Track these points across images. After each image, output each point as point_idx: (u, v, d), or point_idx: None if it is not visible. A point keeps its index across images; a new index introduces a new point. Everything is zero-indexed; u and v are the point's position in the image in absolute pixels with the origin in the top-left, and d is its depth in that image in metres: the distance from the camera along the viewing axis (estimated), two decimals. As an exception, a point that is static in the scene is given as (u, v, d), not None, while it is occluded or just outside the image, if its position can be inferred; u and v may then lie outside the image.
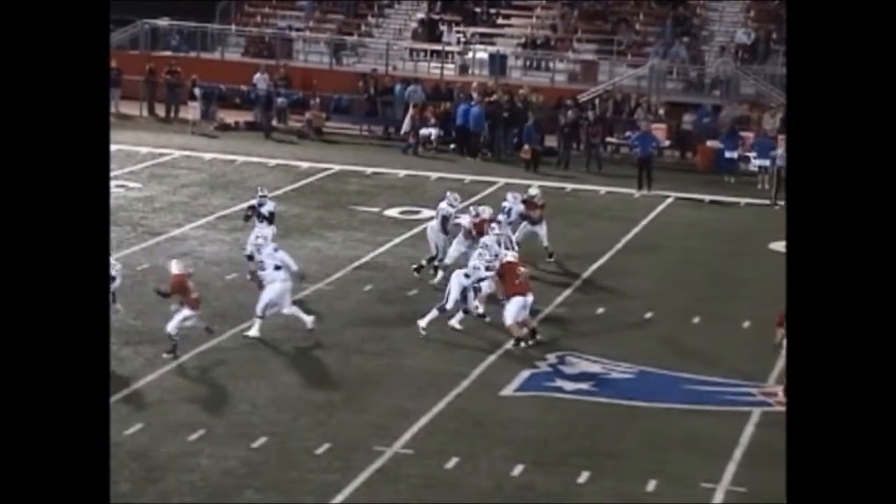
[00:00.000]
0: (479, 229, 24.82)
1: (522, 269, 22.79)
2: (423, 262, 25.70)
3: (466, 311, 22.58)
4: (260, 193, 25.95)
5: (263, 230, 24.89)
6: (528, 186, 28.60)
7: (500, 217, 26.31)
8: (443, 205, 26.06)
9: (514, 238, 25.67)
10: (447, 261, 25.22)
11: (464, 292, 22.46)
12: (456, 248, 25.21)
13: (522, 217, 26.90)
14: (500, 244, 23.66)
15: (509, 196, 27.35)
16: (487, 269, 22.61)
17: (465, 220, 25.43)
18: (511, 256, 23.03)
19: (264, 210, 25.49)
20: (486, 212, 25.52)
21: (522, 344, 21.94)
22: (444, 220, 25.81)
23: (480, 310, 22.81)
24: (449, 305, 22.37)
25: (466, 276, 22.52)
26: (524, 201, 27.10)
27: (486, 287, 22.91)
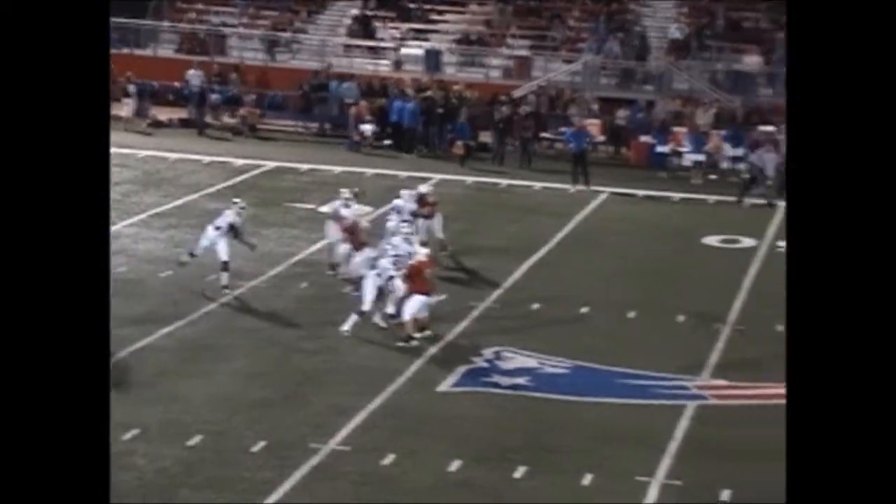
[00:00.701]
0: (351, 232, 24.71)
1: (429, 270, 22.61)
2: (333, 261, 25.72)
3: (390, 310, 22.57)
4: (240, 205, 25.15)
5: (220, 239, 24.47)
6: (463, 182, 28.62)
7: (392, 216, 26.22)
8: (337, 203, 26.02)
9: (407, 230, 25.35)
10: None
11: (380, 291, 22.42)
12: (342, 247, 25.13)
13: (415, 215, 26.51)
14: (410, 243, 23.47)
15: (404, 194, 27.17)
16: (396, 265, 22.49)
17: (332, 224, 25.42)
18: (422, 255, 22.83)
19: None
20: (349, 216, 25.28)
21: (413, 342, 21.80)
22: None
23: (391, 310, 22.62)
24: (366, 307, 22.34)
25: (378, 275, 22.49)
26: (420, 199, 27.00)
27: (400, 290, 22.65)
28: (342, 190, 26.60)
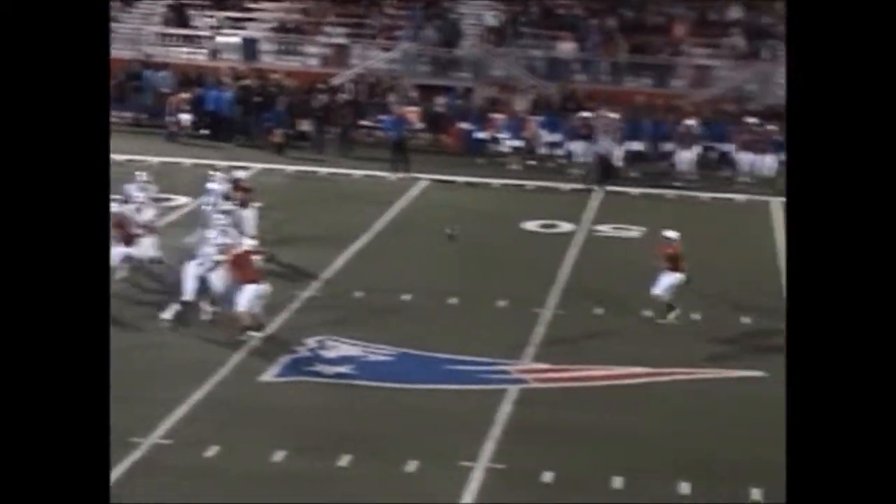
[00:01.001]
0: (118, 225, 24.30)
1: (255, 256, 22.37)
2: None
3: (213, 301, 22.36)
4: None
5: None
6: (282, 171, 28.46)
7: (208, 200, 25.97)
8: (131, 187, 25.67)
9: (223, 222, 24.84)
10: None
11: (203, 281, 22.19)
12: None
13: (228, 198, 26.05)
14: (226, 233, 23.15)
15: (216, 176, 26.95)
16: (220, 252, 22.29)
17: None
18: (246, 244, 22.60)
19: None
20: (126, 207, 24.93)
21: (250, 334, 21.60)
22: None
23: (209, 308, 22.43)
24: (188, 297, 22.10)
25: (201, 264, 22.28)
26: (234, 184, 26.80)
27: (219, 285, 22.48)
28: (137, 173, 26.23)
